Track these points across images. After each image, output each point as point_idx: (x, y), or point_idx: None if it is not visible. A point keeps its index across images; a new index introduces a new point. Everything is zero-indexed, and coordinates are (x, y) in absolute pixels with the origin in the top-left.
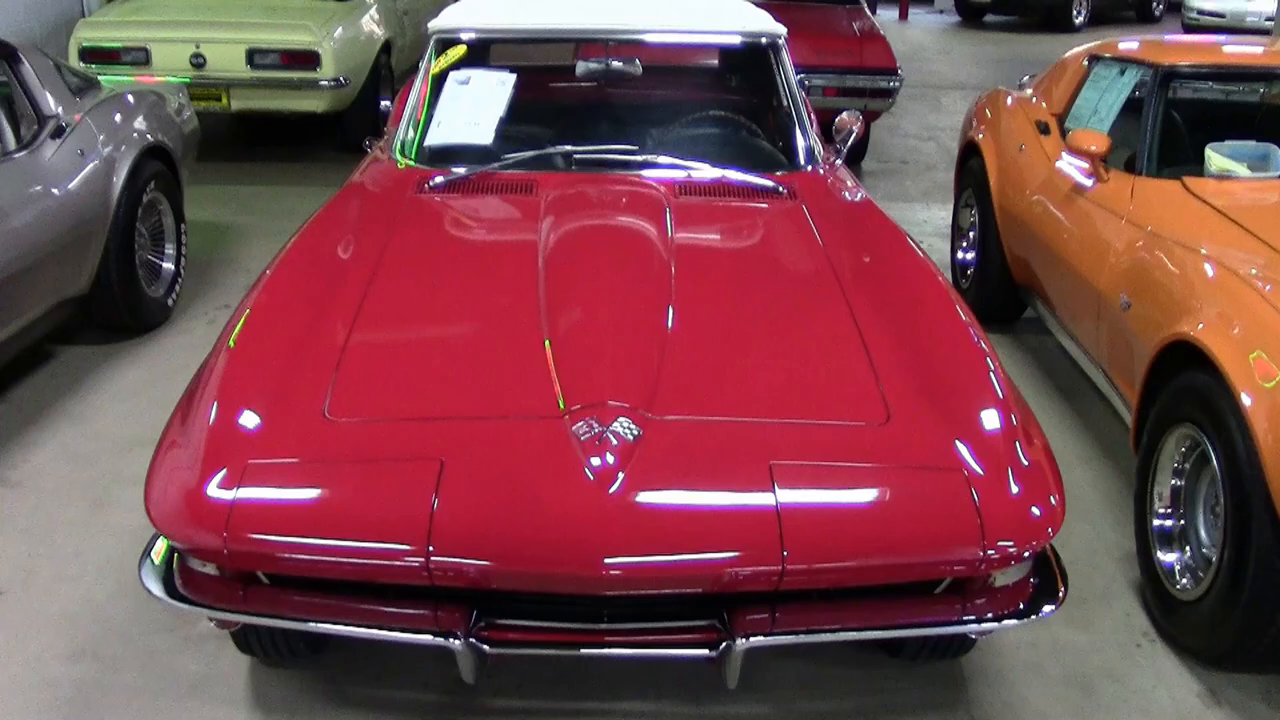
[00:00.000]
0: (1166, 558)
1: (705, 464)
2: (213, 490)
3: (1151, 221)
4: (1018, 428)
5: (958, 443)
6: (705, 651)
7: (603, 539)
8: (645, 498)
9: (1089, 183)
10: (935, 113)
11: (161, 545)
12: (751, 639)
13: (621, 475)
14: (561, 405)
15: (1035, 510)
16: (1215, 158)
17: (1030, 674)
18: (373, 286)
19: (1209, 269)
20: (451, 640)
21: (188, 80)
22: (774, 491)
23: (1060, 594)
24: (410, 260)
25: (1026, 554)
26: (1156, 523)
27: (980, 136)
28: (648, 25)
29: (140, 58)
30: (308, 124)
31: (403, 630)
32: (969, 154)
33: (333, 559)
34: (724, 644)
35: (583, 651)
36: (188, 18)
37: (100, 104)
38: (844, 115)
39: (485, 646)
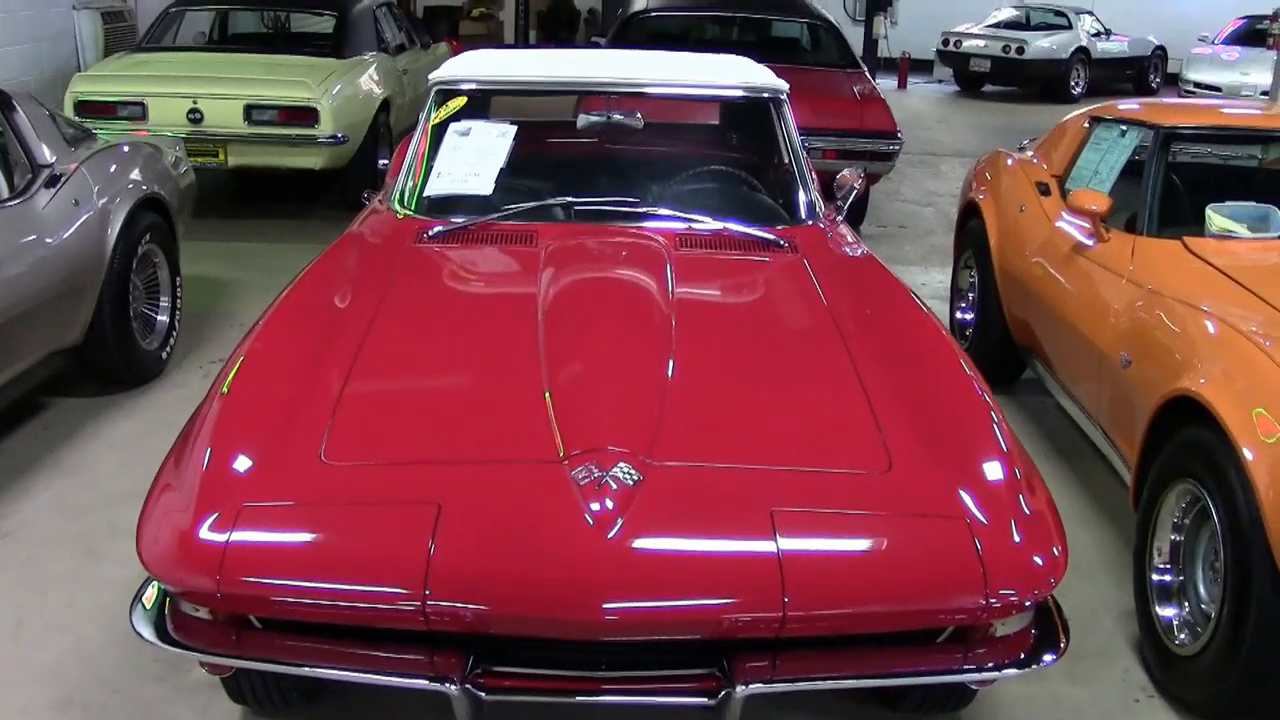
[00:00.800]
0: (1165, 613)
1: (706, 510)
2: (206, 533)
3: (1152, 280)
4: (1021, 479)
5: (960, 492)
6: (704, 700)
7: (601, 584)
8: (645, 543)
9: (1090, 242)
10: (934, 179)
11: (153, 591)
12: (751, 686)
13: (621, 521)
14: (561, 451)
15: (1038, 560)
16: (1216, 218)
17: None
18: (370, 334)
19: (1211, 326)
20: (448, 685)
21: (184, 135)
22: (775, 538)
23: (1062, 644)
24: (408, 310)
25: (1028, 603)
26: (1156, 578)
27: (981, 197)
28: (650, 78)
29: (137, 112)
30: (305, 182)
31: (398, 675)
32: (969, 215)
33: (328, 603)
34: (724, 692)
35: (580, 699)
36: (185, 73)
37: (96, 154)
38: (845, 172)
39: (482, 694)
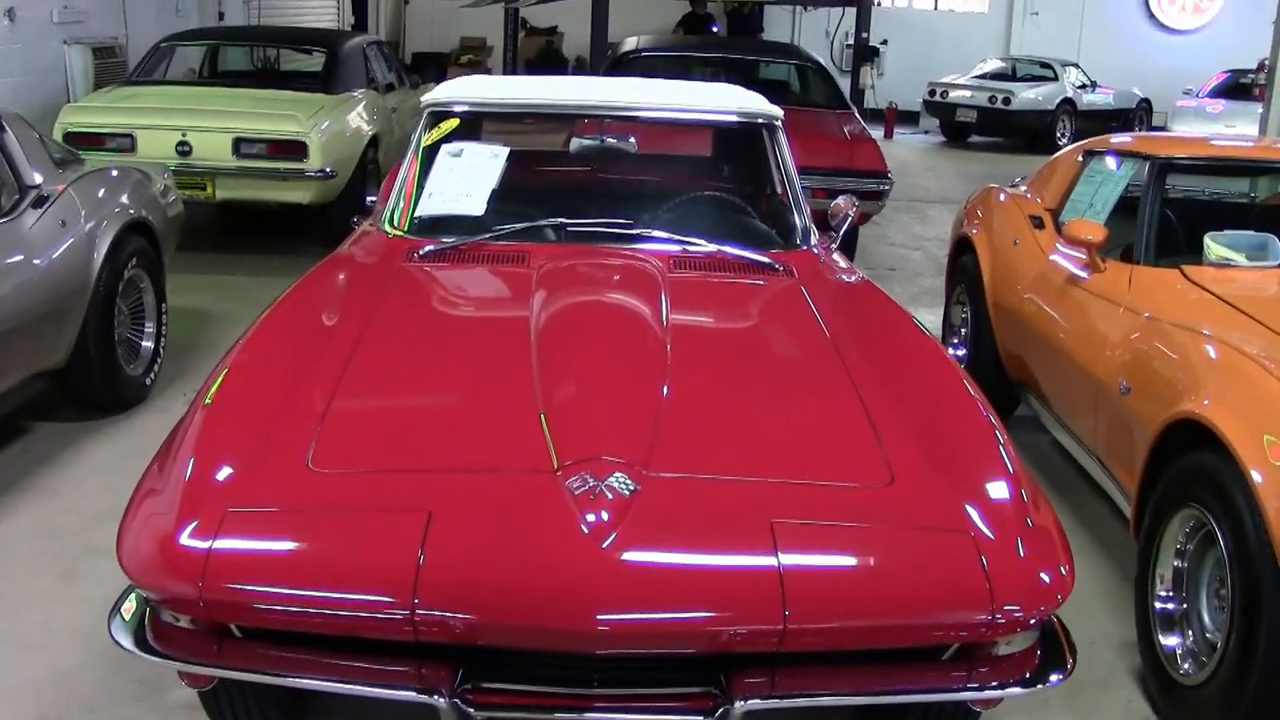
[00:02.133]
0: (1169, 641)
1: (704, 521)
2: (189, 538)
3: (1151, 308)
4: (1027, 499)
5: (965, 507)
6: (700, 718)
7: (596, 594)
8: (641, 553)
9: (1084, 274)
10: (922, 224)
11: (132, 602)
12: (750, 701)
13: (616, 531)
14: (554, 461)
15: (1044, 576)
16: (1214, 246)
17: None
18: (359, 348)
19: (1213, 350)
20: (436, 698)
21: (173, 168)
22: (775, 549)
23: (1069, 665)
24: (397, 326)
25: (1034, 621)
26: (1158, 605)
27: (973, 232)
28: (644, 102)
29: (125, 144)
30: (293, 219)
31: (385, 687)
32: (961, 250)
33: (313, 610)
34: (721, 709)
35: (571, 716)
36: (174, 105)
37: (84, 176)
38: (839, 201)
39: (471, 710)
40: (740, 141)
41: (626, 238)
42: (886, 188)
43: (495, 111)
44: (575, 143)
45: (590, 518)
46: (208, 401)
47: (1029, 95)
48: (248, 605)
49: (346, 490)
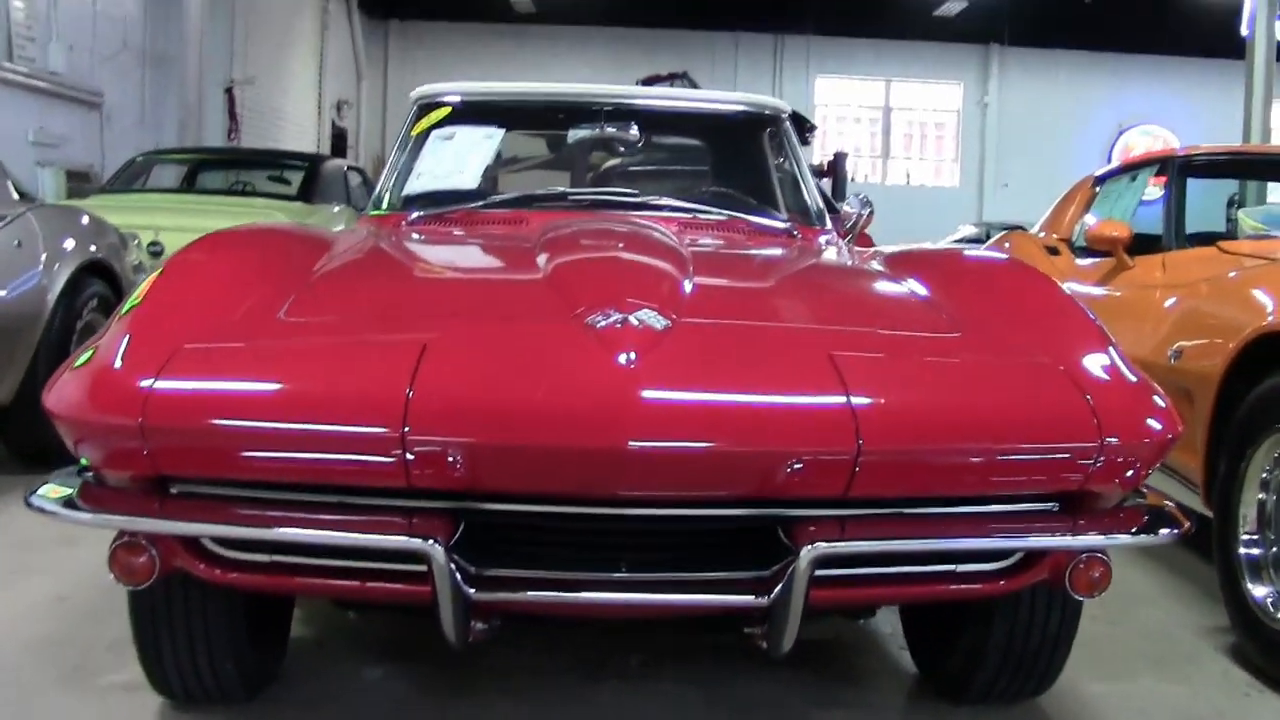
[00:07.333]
0: (1259, 591)
1: (753, 350)
2: (130, 370)
3: (1191, 278)
4: (1128, 362)
5: (1056, 349)
6: (752, 598)
7: (627, 414)
8: (681, 374)
9: (1110, 280)
10: None
11: (56, 487)
12: (817, 545)
13: (650, 358)
14: (572, 308)
15: (1153, 422)
16: (1249, 220)
17: None
18: (343, 249)
19: (1269, 284)
20: (432, 543)
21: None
22: (840, 375)
23: (1184, 525)
24: (391, 246)
25: (1142, 464)
26: (1243, 551)
27: None
28: (645, 93)
29: None
30: None
31: (364, 533)
32: None
33: (280, 453)
34: (779, 585)
35: (592, 596)
36: (148, 206)
37: (48, 207)
38: (846, 207)
39: (470, 590)
40: (747, 137)
41: (632, 205)
42: None
43: (488, 102)
44: (573, 133)
45: (620, 356)
46: (135, 301)
47: None
48: (199, 443)
49: (325, 331)
